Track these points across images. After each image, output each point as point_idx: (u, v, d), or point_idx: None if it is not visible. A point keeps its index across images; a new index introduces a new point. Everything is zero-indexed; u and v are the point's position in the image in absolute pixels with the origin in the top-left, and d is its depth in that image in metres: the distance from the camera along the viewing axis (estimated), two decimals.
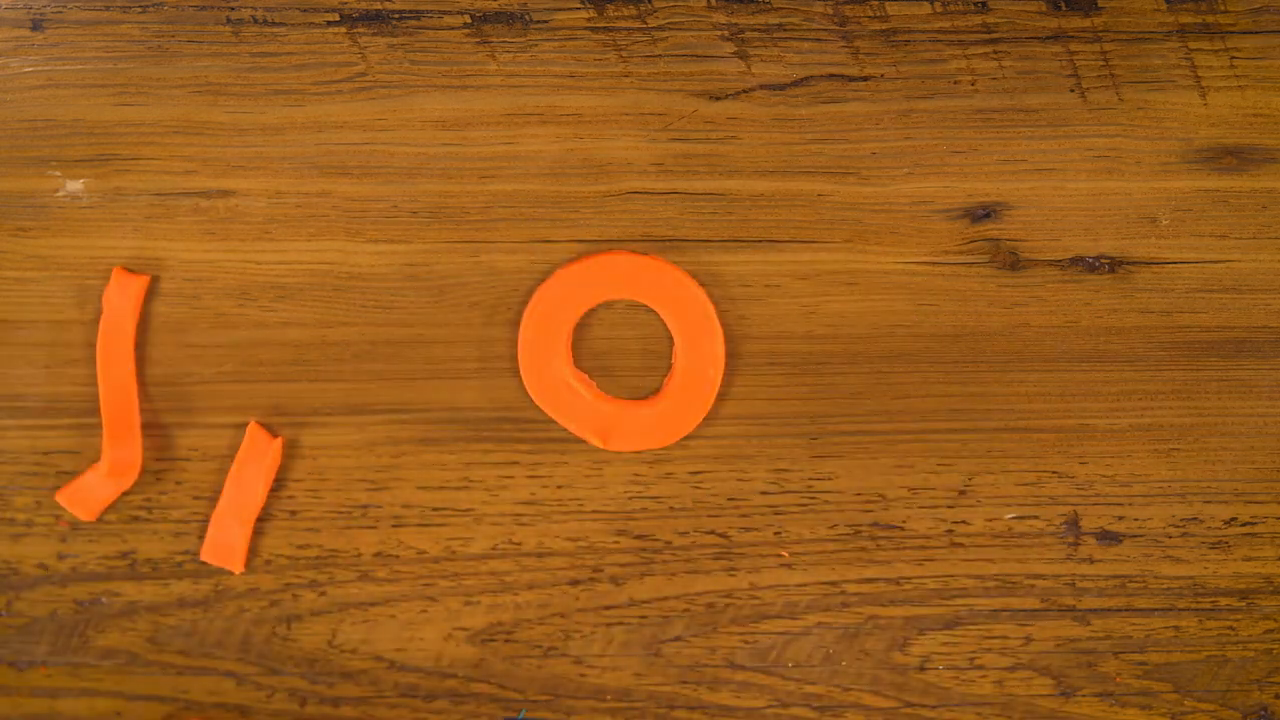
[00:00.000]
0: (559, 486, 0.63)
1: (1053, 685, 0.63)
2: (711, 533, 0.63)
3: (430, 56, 0.60)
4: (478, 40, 0.60)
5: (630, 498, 0.63)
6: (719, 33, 0.60)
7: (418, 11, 0.60)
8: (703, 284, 0.61)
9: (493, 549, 0.63)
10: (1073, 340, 0.61)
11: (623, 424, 0.61)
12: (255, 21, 0.60)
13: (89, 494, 0.62)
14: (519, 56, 0.60)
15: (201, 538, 0.63)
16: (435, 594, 0.63)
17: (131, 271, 0.61)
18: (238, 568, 0.62)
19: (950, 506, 0.62)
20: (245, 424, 0.62)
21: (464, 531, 0.63)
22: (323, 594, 0.63)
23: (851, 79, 0.60)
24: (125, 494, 0.62)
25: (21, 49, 0.60)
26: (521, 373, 0.61)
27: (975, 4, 0.59)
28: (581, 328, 0.62)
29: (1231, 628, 0.63)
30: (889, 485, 0.62)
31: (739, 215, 0.61)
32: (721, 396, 0.62)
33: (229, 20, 0.60)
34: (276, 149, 0.61)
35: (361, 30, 0.60)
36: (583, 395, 0.61)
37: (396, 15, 0.60)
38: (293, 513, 0.63)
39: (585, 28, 0.60)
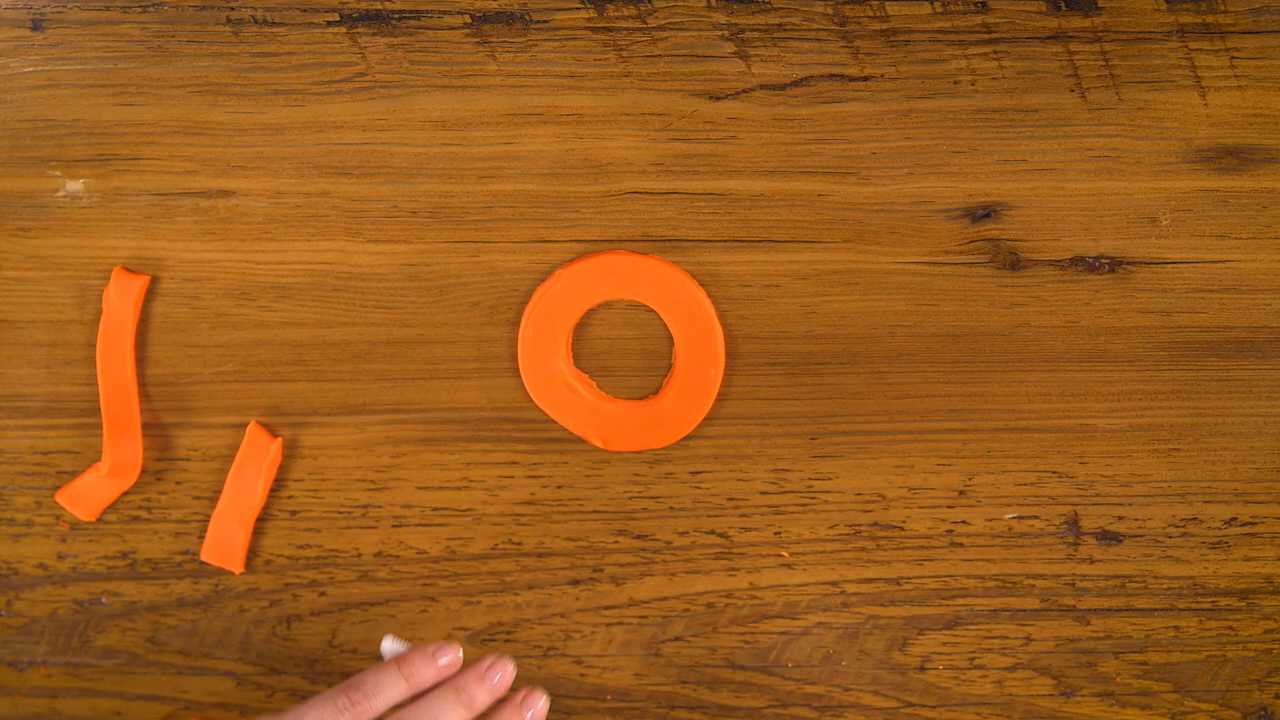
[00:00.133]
0: (559, 486, 0.63)
1: (1053, 685, 0.63)
2: (711, 533, 0.63)
3: (430, 56, 0.60)
4: (478, 40, 0.60)
5: (630, 498, 0.63)
6: (719, 33, 0.60)
7: (418, 11, 0.60)
8: (703, 284, 0.61)
9: (493, 549, 0.63)
10: (1073, 340, 0.61)
11: (623, 424, 0.61)
12: (255, 21, 0.60)
13: (89, 494, 0.62)
14: (519, 56, 0.60)
15: (201, 538, 0.63)
16: (435, 594, 0.63)
17: (131, 271, 0.61)
18: (238, 568, 0.62)
19: (950, 506, 0.62)
20: (245, 424, 0.62)
21: (464, 531, 0.63)
22: (323, 594, 0.63)
23: (851, 79, 0.60)
24: (125, 494, 0.62)
25: (21, 49, 0.60)
26: (521, 373, 0.61)
27: (975, 4, 0.59)
28: (581, 328, 0.62)
29: (1231, 628, 0.63)
30: (889, 485, 0.62)
31: (739, 215, 0.61)
32: (721, 396, 0.62)
33: (229, 20, 0.60)
34: (276, 149, 0.61)
35: (361, 30, 0.60)
36: (583, 395, 0.61)
37: (396, 15, 0.60)
38: (293, 513, 0.63)
39: (585, 28, 0.60)
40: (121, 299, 0.61)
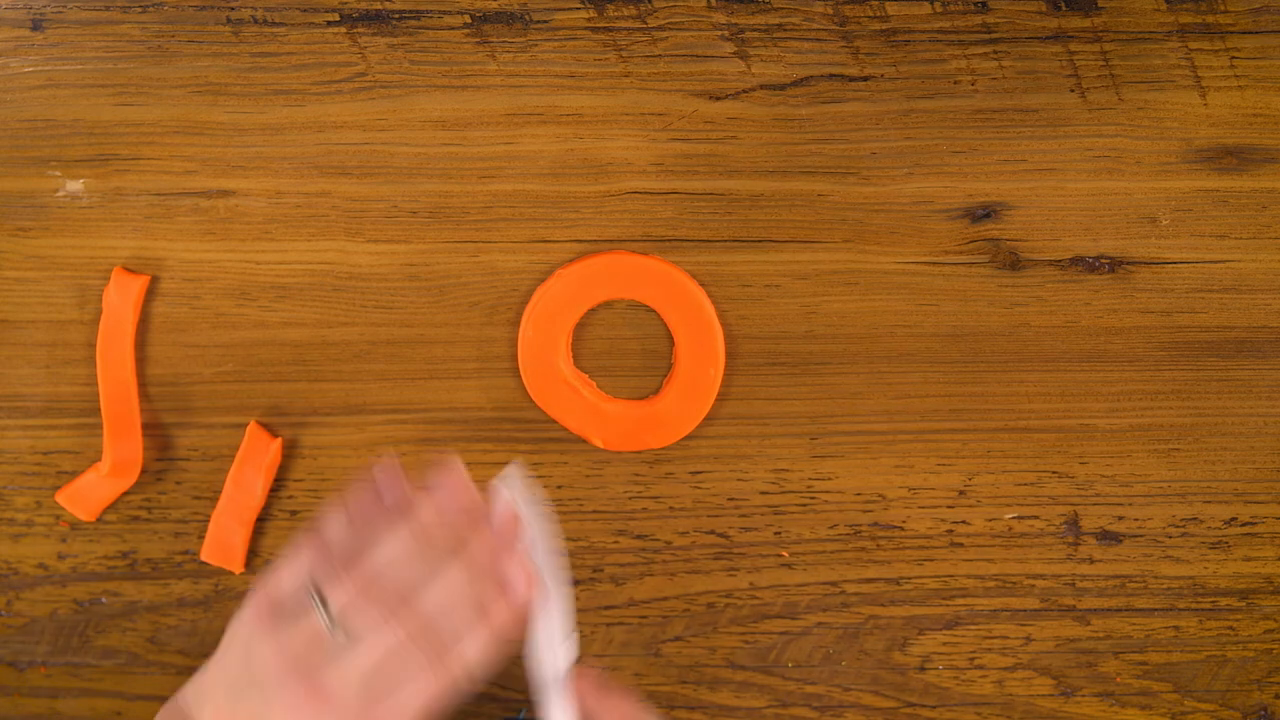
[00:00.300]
0: (559, 486, 0.63)
1: (1053, 685, 0.63)
2: (711, 533, 0.63)
3: (430, 56, 0.60)
4: (478, 40, 0.60)
5: (630, 498, 0.63)
6: (719, 33, 0.60)
7: (418, 11, 0.60)
8: (703, 284, 0.61)
9: None
10: (1073, 340, 0.61)
11: (623, 424, 0.61)
12: (255, 21, 0.60)
13: (89, 494, 0.62)
14: (519, 56, 0.60)
15: (201, 538, 0.63)
16: None
17: (131, 271, 0.61)
18: (238, 568, 0.62)
19: (950, 506, 0.62)
20: (245, 424, 0.62)
21: None
22: None
23: (851, 79, 0.60)
24: (125, 494, 0.62)
25: (21, 49, 0.60)
26: (521, 373, 0.61)
27: (975, 4, 0.59)
28: (581, 328, 0.62)
29: (1231, 628, 0.63)
30: (889, 485, 0.62)
31: (739, 215, 0.61)
32: (721, 396, 0.62)
33: (229, 20, 0.60)
34: (276, 149, 0.61)
35: (361, 30, 0.60)
36: (583, 395, 0.61)
37: (396, 15, 0.60)
38: (293, 513, 0.63)
39: (585, 28, 0.60)
40: (121, 299, 0.61)
